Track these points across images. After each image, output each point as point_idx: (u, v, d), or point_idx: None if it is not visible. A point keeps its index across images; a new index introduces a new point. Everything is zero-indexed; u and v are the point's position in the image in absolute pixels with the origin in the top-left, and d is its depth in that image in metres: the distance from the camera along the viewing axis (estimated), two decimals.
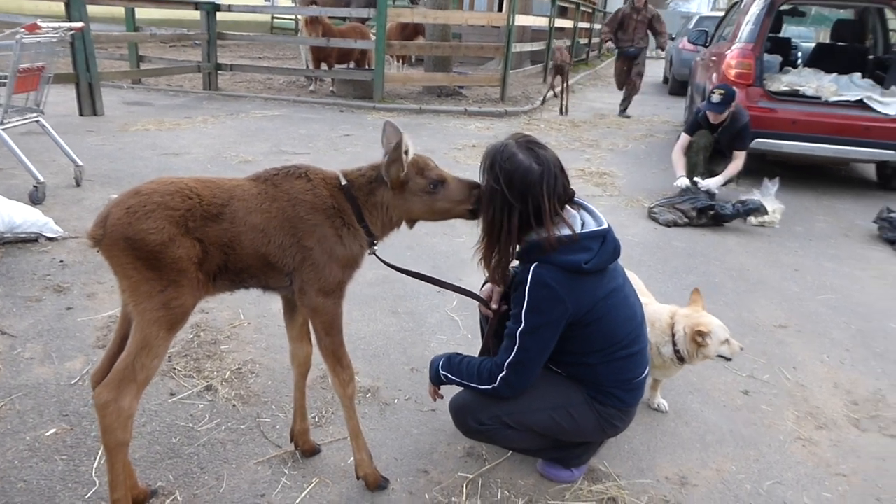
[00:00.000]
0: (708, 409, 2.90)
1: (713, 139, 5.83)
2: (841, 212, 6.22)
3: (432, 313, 3.59)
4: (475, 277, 2.32)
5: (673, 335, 2.61)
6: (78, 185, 5.25)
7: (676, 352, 2.61)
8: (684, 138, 5.99)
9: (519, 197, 1.98)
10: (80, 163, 5.26)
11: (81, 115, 8.09)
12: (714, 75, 7.22)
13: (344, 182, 2.13)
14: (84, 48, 7.97)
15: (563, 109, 11.14)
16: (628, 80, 11.03)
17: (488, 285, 2.39)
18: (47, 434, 2.38)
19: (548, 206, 1.98)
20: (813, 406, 2.99)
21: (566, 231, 2.01)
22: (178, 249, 1.79)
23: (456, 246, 4.58)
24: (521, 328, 2.01)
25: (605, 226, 2.07)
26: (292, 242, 1.99)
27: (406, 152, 2.06)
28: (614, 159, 7.74)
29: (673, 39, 16.71)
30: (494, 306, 2.31)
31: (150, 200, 1.80)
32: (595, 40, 22.89)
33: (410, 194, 2.17)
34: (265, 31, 22.47)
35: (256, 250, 1.95)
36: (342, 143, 7.55)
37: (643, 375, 2.21)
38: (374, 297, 3.73)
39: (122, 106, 9.07)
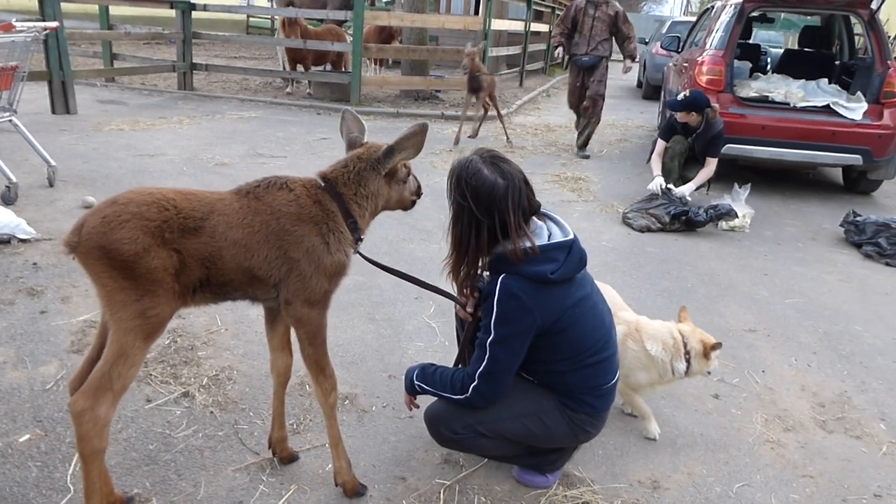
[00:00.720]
0: (679, 413, 2.97)
1: (688, 145, 5.93)
2: (808, 216, 6.37)
3: (409, 320, 3.62)
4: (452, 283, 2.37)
5: (687, 352, 2.66)
6: (51, 185, 5.19)
7: (688, 367, 2.67)
8: (660, 144, 6.08)
9: (485, 212, 2.03)
10: (53, 163, 5.20)
11: (54, 113, 7.99)
12: (686, 81, 7.34)
13: (323, 183, 2.15)
14: (57, 45, 7.86)
15: (507, 138, 8.78)
16: (583, 102, 8.21)
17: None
18: (21, 440, 2.36)
19: (513, 220, 2.03)
20: (781, 409, 3.07)
21: (536, 241, 2.06)
22: (154, 260, 1.80)
23: (432, 252, 4.61)
24: (490, 338, 2.05)
25: (571, 236, 2.12)
26: (278, 255, 2.01)
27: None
28: (589, 164, 7.83)
29: (646, 44, 16.94)
30: (470, 310, 2.34)
31: (125, 210, 1.80)
32: None
33: (395, 182, 2.30)
34: (241, 30, 22.31)
35: (239, 265, 1.96)
36: (319, 147, 7.54)
37: (613, 381, 2.26)
38: (352, 303, 3.75)
39: (96, 104, 8.96)
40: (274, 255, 2.00)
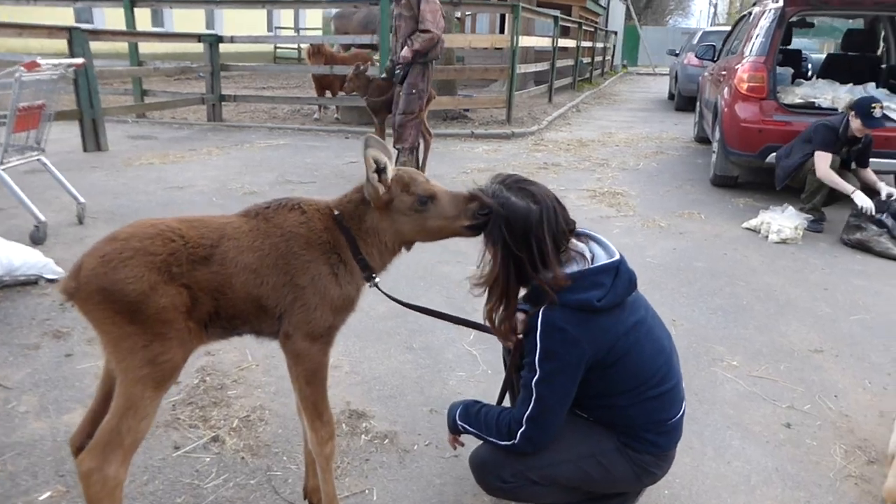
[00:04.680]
0: (750, 445, 2.71)
1: (840, 158, 5.59)
2: None
3: (449, 347, 3.42)
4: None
5: None
6: (80, 222, 5.14)
7: None
8: (828, 157, 5.50)
9: (522, 243, 1.83)
10: (82, 200, 5.15)
11: (85, 151, 8.01)
12: (725, 90, 7.09)
13: (336, 213, 1.99)
14: (87, 84, 7.92)
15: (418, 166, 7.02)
16: (394, 126, 6.66)
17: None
18: (41, 498, 2.21)
19: (551, 246, 1.84)
20: (860, 438, 2.78)
21: (574, 267, 1.87)
22: (162, 299, 1.64)
23: (469, 274, 4.41)
24: (535, 377, 1.84)
25: (617, 257, 1.91)
26: (285, 281, 1.84)
27: (381, 169, 1.90)
28: (626, 178, 7.59)
29: (677, 55, 16.71)
30: (518, 336, 2.11)
31: (126, 246, 1.65)
32: (598, 58, 22.90)
33: (398, 214, 1.99)
34: (268, 61, 22.59)
35: (249, 293, 1.80)
36: (348, 171, 7.44)
37: (679, 415, 2.02)
38: (388, 331, 3.57)
39: (127, 140, 9.01)
40: (281, 281, 1.84)
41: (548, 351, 1.82)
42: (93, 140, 8.11)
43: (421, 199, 1.96)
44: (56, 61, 4.85)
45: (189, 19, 19.67)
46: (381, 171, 1.89)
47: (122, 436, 1.64)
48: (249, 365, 3.15)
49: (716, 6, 53.79)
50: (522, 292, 1.97)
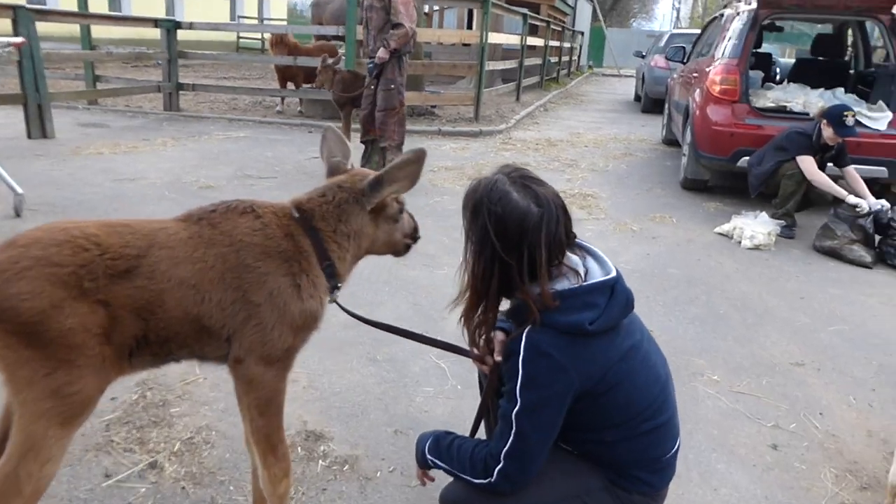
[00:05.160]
0: (736, 469, 2.53)
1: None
2: None
3: (415, 360, 3.18)
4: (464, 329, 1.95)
5: None
6: (18, 215, 4.75)
7: None
8: (811, 160, 5.41)
9: (513, 247, 1.60)
10: (20, 191, 4.77)
11: (30, 137, 7.54)
12: (697, 92, 6.98)
13: (297, 214, 1.74)
14: (33, 67, 7.43)
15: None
16: (370, 125, 6.46)
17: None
18: None
19: (545, 257, 1.60)
20: (850, 461, 2.64)
21: (566, 284, 1.64)
22: (68, 319, 1.37)
23: (437, 279, 4.19)
24: (516, 408, 1.61)
25: (613, 274, 1.68)
26: (235, 298, 1.59)
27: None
28: (596, 180, 7.44)
29: (643, 57, 16.70)
30: (496, 358, 1.89)
31: (25, 255, 1.38)
32: (565, 58, 22.86)
33: (384, 220, 1.91)
34: (231, 51, 21.98)
35: (186, 312, 1.54)
36: (311, 167, 7.13)
37: (673, 451, 1.82)
38: (349, 341, 3.31)
39: (77, 128, 8.54)
40: (230, 297, 1.59)
41: (531, 378, 1.60)
42: (38, 126, 7.64)
43: (401, 209, 1.94)
44: None
45: (148, 4, 18.98)
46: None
47: (20, 483, 1.36)
48: (196, 378, 2.86)
49: (678, 10, 54.44)
50: (504, 305, 1.74)
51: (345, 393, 2.87)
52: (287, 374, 1.72)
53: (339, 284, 1.84)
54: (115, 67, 14.47)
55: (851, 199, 5.22)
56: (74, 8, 9.98)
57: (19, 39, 4.97)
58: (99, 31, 10.61)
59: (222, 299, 1.58)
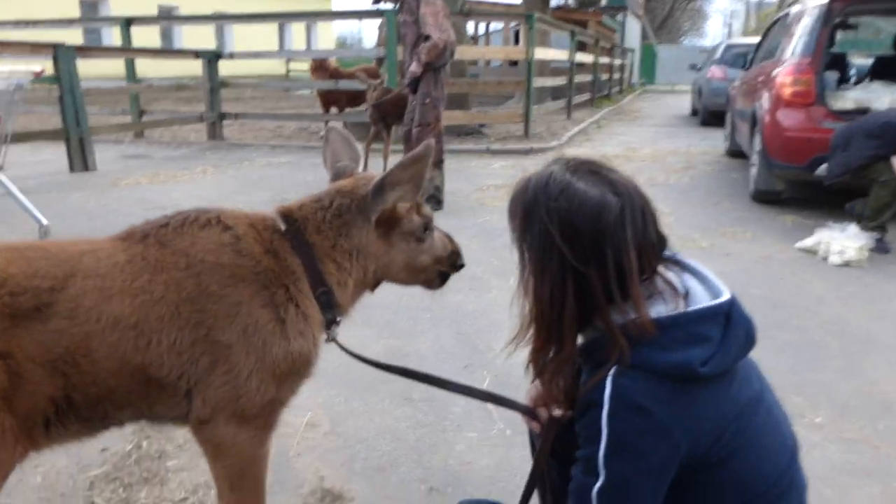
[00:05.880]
0: None
1: None
2: None
3: (457, 399, 2.72)
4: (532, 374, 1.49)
5: None
6: None
7: None
8: None
9: (590, 252, 1.16)
10: (45, 222, 4.58)
11: (72, 171, 7.51)
12: (765, 97, 6.40)
13: (284, 226, 1.34)
14: (73, 102, 7.43)
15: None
16: (410, 141, 6.02)
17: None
18: None
19: (635, 264, 1.15)
20: None
21: (661, 309, 1.18)
22: None
23: (485, 304, 3.74)
24: (598, 484, 1.15)
25: (727, 296, 1.22)
26: (195, 338, 1.21)
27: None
28: (657, 195, 6.85)
29: (699, 70, 16.07)
30: (556, 412, 1.42)
31: None
32: (616, 76, 22.33)
33: (399, 238, 1.51)
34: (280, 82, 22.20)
35: (124, 360, 1.16)
36: None
37: None
38: (382, 378, 2.84)
39: (120, 160, 8.49)
40: (188, 339, 1.21)
41: (620, 443, 1.14)
42: (80, 160, 7.59)
43: (427, 226, 1.56)
44: (10, 68, 4.29)
45: (199, 37, 19.34)
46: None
47: None
48: None
49: (730, 26, 53.28)
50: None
51: (372, 440, 2.44)
52: (269, 435, 1.32)
53: (338, 318, 1.44)
54: (167, 101, 14.64)
55: None
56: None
57: (38, 68, 4.81)
58: (148, 67, 10.65)
59: (177, 341, 1.20)
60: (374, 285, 1.59)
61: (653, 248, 1.20)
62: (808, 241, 4.95)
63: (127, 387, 1.21)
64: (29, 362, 1.09)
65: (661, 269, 1.23)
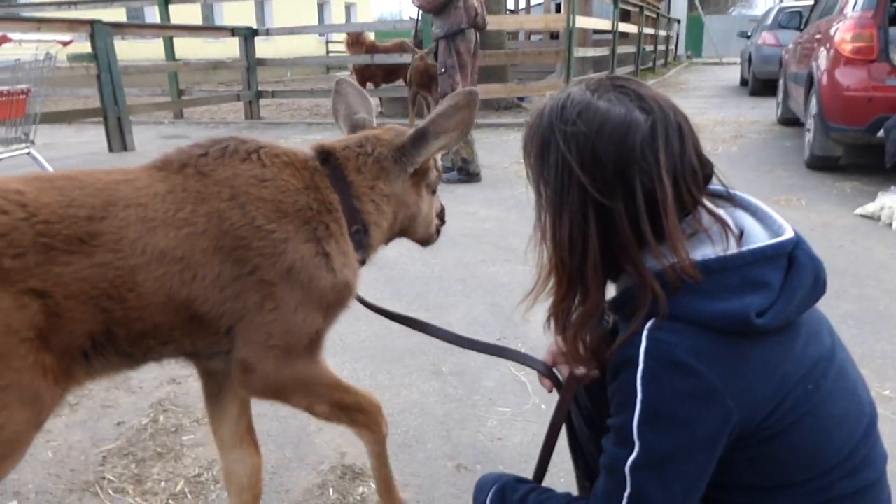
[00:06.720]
0: None
1: None
2: None
3: (489, 372, 2.57)
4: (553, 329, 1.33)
5: None
6: None
7: None
8: None
9: (615, 181, 0.97)
10: None
11: (111, 151, 7.54)
12: (822, 55, 6.00)
13: (321, 161, 1.33)
14: (111, 81, 7.44)
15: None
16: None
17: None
18: None
19: (671, 194, 0.95)
20: None
21: (707, 251, 0.98)
22: None
23: (519, 275, 3.56)
24: (633, 457, 0.97)
25: (789, 234, 1.01)
26: (238, 274, 1.14)
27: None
28: None
29: (748, 37, 15.42)
30: (580, 371, 1.24)
31: None
32: (661, 47, 21.64)
33: (425, 189, 1.52)
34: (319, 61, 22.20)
35: (171, 295, 1.09)
36: None
37: None
38: (410, 350, 2.75)
39: (158, 140, 8.51)
40: (231, 273, 1.13)
41: (657, 410, 0.96)
42: (118, 139, 7.62)
43: (437, 180, 1.57)
44: (38, 37, 4.25)
45: (239, 17, 19.45)
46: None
47: None
48: None
49: None
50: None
51: (398, 416, 2.29)
52: (320, 355, 1.30)
53: (366, 259, 1.40)
54: (209, 84, 14.72)
55: None
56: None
57: (67, 38, 4.77)
58: (188, 49, 10.68)
59: (222, 275, 1.14)
60: (392, 237, 1.54)
61: (694, 176, 0.99)
62: (869, 207, 4.62)
63: (171, 322, 1.14)
64: (70, 299, 1.01)
65: (707, 203, 1.03)
